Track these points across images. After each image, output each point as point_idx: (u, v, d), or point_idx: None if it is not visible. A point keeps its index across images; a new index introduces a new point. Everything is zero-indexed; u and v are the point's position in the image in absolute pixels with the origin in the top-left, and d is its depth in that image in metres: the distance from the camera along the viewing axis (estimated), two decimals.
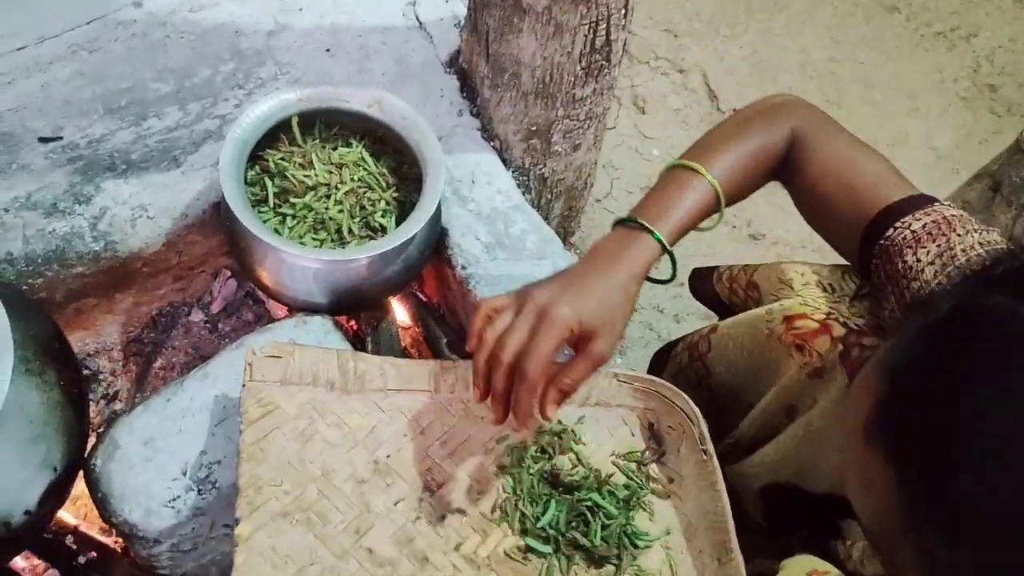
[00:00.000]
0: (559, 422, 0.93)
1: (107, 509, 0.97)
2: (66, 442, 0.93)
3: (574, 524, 0.86)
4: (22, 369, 0.86)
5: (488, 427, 0.90)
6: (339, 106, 1.13)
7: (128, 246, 1.14)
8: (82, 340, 1.25)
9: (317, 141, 1.15)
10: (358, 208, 1.10)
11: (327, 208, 1.08)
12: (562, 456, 0.91)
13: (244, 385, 0.88)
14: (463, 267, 1.18)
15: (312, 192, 1.09)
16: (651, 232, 0.81)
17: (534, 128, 1.24)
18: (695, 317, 1.68)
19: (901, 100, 2.07)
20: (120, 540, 1.15)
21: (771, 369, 0.92)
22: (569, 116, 1.23)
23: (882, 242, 0.81)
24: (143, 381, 1.28)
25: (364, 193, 1.11)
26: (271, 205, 1.09)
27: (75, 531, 1.15)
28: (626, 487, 0.90)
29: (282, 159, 1.11)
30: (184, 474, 0.98)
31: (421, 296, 1.42)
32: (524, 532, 0.85)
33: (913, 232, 0.79)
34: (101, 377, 1.28)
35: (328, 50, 1.34)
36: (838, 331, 0.84)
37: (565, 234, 1.60)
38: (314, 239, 1.08)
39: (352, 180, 1.11)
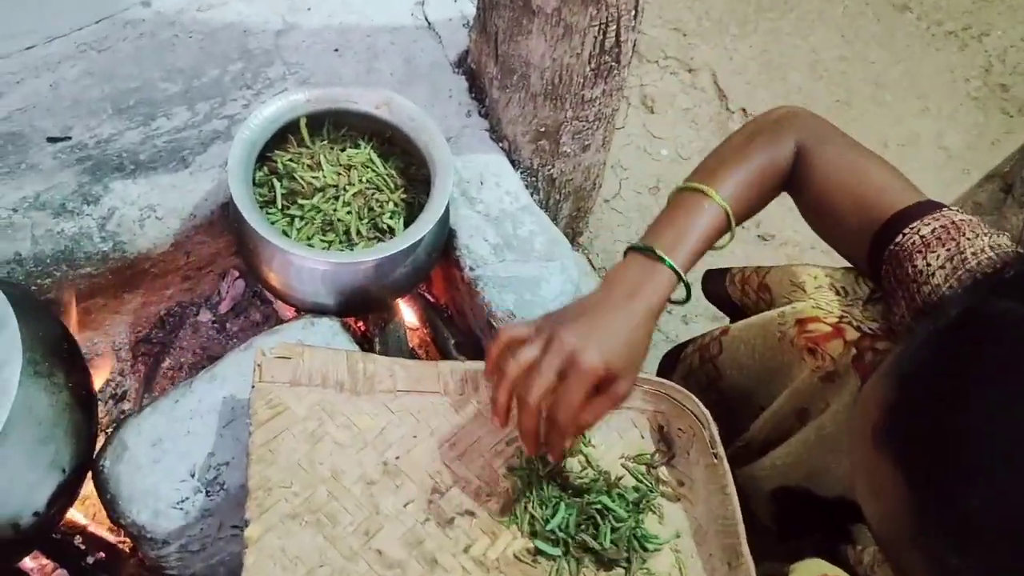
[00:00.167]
0: None
1: (115, 510, 0.97)
2: (75, 443, 0.93)
3: (583, 527, 0.85)
4: (31, 371, 0.86)
5: (497, 429, 0.90)
6: (348, 107, 1.13)
7: (136, 246, 1.14)
8: (90, 340, 1.25)
9: (325, 142, 1.14)
10: (366, 210, 1.10)
11: (335, 209, 1.08)
12: (571, 458, 0.91)
13: (253, 386, 0.88)
14: (471, 268, 1.17)
15: (320, 193, 1.09)
16: (667, 262, 0.81)
17: (543, 129, 1.24)
18: (703, 318, 1.68)
19: (912, 100, 2.06)
20: (128, 540, 1.16)
21: (783, 372, 0.91)
22: (578, 117, 1.23)
23: (892, 248, 0.81)
24: (151, 381, 1.29)
25: (372, 194, 1.11)
26: (279, 206, 1.09)
27: (84, 531, 1.16)
28: (636, 490, 0.90)
29: (290, 160, 1.11)
30: (192, 475, 0.98)
31: (429, 297, 1.42)
32: (533, 534, 0.85)
33: (922, 237, 0.78)
34: (109, 377, 1.28)
35: (336, 50, 1.34)
36: (851, 335, 0.84)
37: (573, 235, 1.60)
38: (322, 240, 1.08)
39: (360, 181, 1.11)
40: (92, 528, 1.17)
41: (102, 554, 1.15)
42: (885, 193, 0.84)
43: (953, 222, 0.78)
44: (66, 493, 0.94)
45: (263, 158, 1.11)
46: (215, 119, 1.23)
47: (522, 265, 1.18)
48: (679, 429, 0.94)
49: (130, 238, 1.13)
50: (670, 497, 0.91)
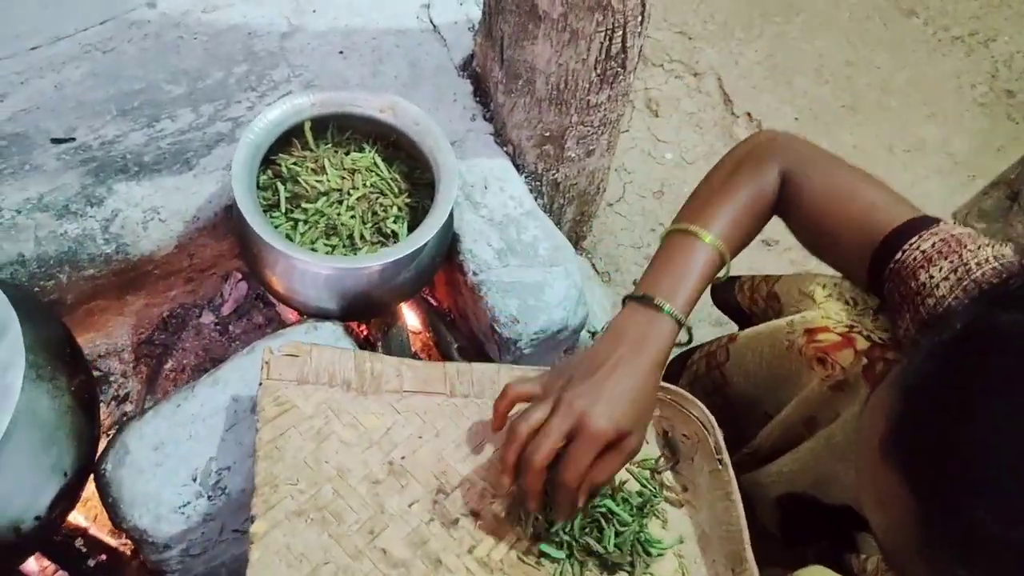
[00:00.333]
0: None
1: (117, 514, 0.97)
2: (77, 447, 0.93)
3: (587, 530, 0.85)
4: (33, 375, 0.86)
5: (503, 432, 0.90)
6: (352, 111, 1.13)
7: (140, 249, 1.14)
8: (93, 342, 1.25)
9: (330, 146, 1.14)
10: (370, 214, 1.09)
11: (339, 214, 1.08)
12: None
13: (261, 383, 0.88)
14: (475, 273, 1.17)
15: (324, 197, 1.09)
16: (667, 310, 0.81)
17: (548, 134, 1.23)
18: (706, 323, 1.68)
19: (918, 105, 2.06)
20: (130, 543, 1.16)
21: (791, 381, 0.91)
22: (583, 122, 1.22)
23: (892, 266, 0.81)
24: (154, 383, 1.28)
25: (376, 199, 1.11)
26: (283, 210, 1.09)
27: (85, 534, 1.15)
28: (640, 494, 0.90)
29: (294, 164, 1.11)
30: (194, 480, 0.98)
31: (432, 301, 1.41)
32: (537, 537, 0.85)
33: (923, 252, 0.78)
34: (112, 379, 1.28)
35: (341, 52, 1.34)
36: (861, 344, 0.83)
37: (577, 239, 1.60)
38: (326, 245, 1.08)
39: (364, 186, 1.11)
40: (93, 531, 1.16)
41: (103, 557, 1.15)
42: (878, 211, 0.84)
43: (952, 235, 0.78)
44: (68, 496, 0.93)
45: (267, 161, 1.11)
46: (219, 121, 1.23)
47: (526, 270, 1.17)
48: (684, 434, 0.93)
49: (133, 240, 1.13)
50: (674, 502, 0.91)
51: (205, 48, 1.30)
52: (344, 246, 1.08)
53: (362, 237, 1.08)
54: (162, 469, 0.98)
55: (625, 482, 0.90)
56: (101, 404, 1.19)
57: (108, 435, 1.17)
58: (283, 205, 1.09)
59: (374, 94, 1.14)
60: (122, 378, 1.29)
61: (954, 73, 2.12)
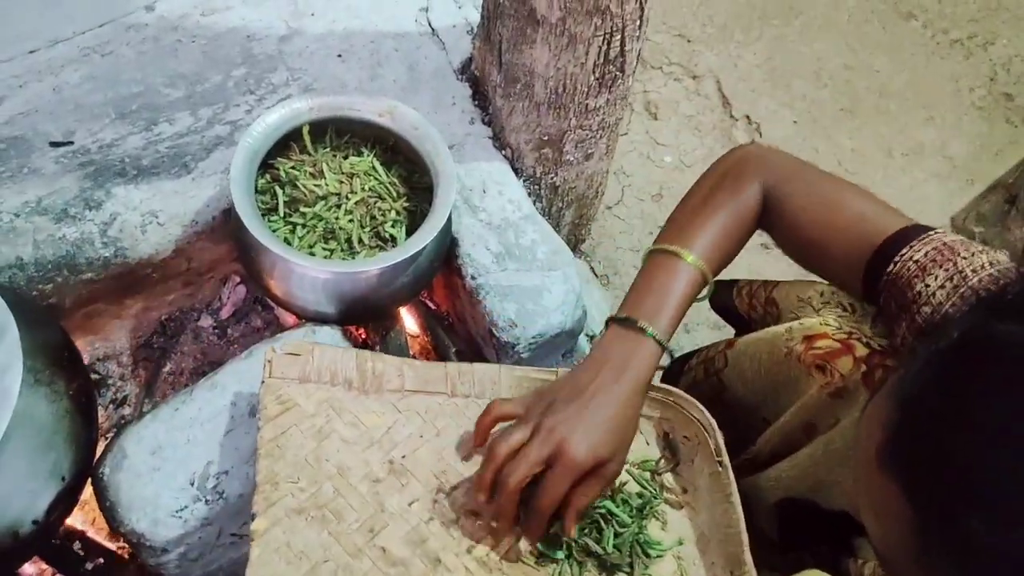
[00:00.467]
0: None
1: (115, 518, 0.97)
2: (75, 451, 0.93)
3: (587, 531, 0.85)
4: (31, 380, 0.86)
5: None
6: (351, 115, 1.13)
7: (138, 252, 1.14)
8: (91, 345, 1.25)
9: (328, 150, 1.14)
10: (368, 218, 1.10)
11: (337, 218, 1.08)
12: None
13: (263, 382, 0.89)
14: (473, 277, 1.17)
15: (323, 201, 1.09)
16: (650, 333, 0.81)
17: (546, 138, 1.23)
18: (705, 327, 1.68)
19: (916, 109, 2.06)
20: (128, 547, 1.15)
21: (789, 388, 0.91)
22: (582, 126, 1.22)
23: (886, 277, 0.80)
24: (152, 386, 1.28)
25: (375, 203, 1.11)
26: (281, 214, 1.09)
27: (83, 537, 1.15)
28: (640, 496, 0.90)
29: (293, 168, 1.11)
30: (192, 484, 0.98)
31: (430, 305, 1.41)
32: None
33: (917, 262, 0.78)
34: (110, 382, 1.28)
35: (340, 56, 1.34)
36: (861, 351, 0.83)
37: (575, 242, 1.60)
38: (324, 249, 1.08)
39: (363, 190, 1.11)
40: (91, 534, 1.16)
41: (101, 560, 1.15)
42: (867, 222, 0.83)
43: (944, 243, 0.78)
44: (66, 500, 0.93)
45: (265, 165, 1.11)
46: (218, 124, 1.23)
47: (524, 274, 1.17)
48: (684, 436, 0.93)
49: (132, 244, 1.13)
50: (674, 504, 0.91)
51: (203, 51, 1.30)
52: (342, 250, 1.08)
53: (360, 241, 1.08)
54: (160, 473, 0.98)
55: (625, 483, 0.90)
56: (99, 407, 1.19)
57: (106, 438, 1.17)
58: (281, 209, 1.09)
59: (372, 98, 1.14)
60: (120, 381, 1.29)
61: (952, 76, 2.13)
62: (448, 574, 0.81)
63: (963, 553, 0.50)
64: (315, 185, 1.09)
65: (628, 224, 1.82)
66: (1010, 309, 0.58)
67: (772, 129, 1.98)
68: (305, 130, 1.11)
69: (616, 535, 0.85)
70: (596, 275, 1.72)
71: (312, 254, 1.06)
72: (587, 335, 1.39)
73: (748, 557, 0.82)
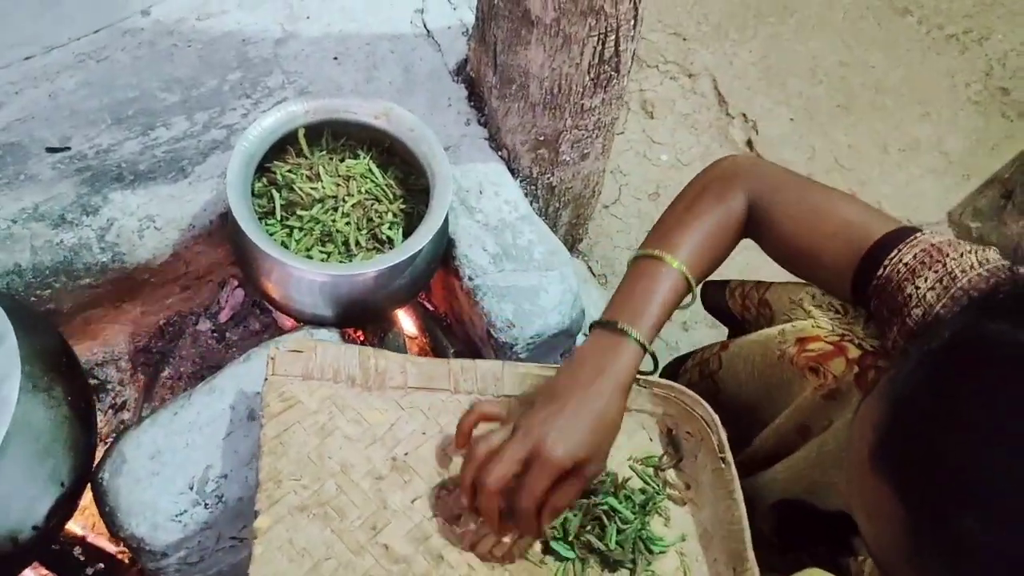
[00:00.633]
0: None
1: (114, 523, 0.97)
2: (74, 457, 0.93)
3: (590, 527, 0.86)
4: (29, 386, 0.86)
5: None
6: (346, 117, 1.13)
7: (136, 257, 1.14)
8: (90, 350, 1.25)
9: (324, 152, 1.14)
10: (365, 220, 1.10)
11: (334, 220, 1.08)
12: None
13: (266, 379, 0.89)
14: (470, 278, 1.17)
15: (319, 204, 1.09)
16: (631, 336, 0.82)
17: (542, 138, 1.23)
18: (703, 325, 1.68)
19: (912, 105, 2.06)
20: (128, 551, 1.16)
21: (783, 390, 0.91)
22: (577, 126, 1.23)
23: (876, 281, 0.80)
24: (151, 391, 1.29)
25: (371, 205, 1.11)
26: (278, 218, 1.09)
27: (83, 542, 1.16)
28: (642, 492, 0.90)
29: (289, 171, 1.11)
30: (191, 488, 0.98)
31: (428, 306, 1.41)
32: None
33: (906, 265, 0.78)
34: (109, 387, 1.28)
35: (336, 58, 1.34)
36: (853, 353, 0.84)
37: (572, 241, 1.60)
38: (321, 252, 1.08)
39: (359, 192, 1.11)
40: (91, 539, 1.17)
41: (101, 565, 1.15)
42: (854, 227, 0.83)
43: (933, 244, 0.78)
44: (65, 506, 0.94)
45: (262, 169, 1.11)
46: (214, 128, 1.23)
47: (521, 275, 1.18)
48: (687, 432, 0.93)
49: (129, 249, 1.13)
50: (677, 500, 0.91)
51: (199, 56, 1.31)
52: (339, 253, 1.08)
53: (357, 244, 1.08)
54: (159, 478, 0.98)
55: (628, 479, 0.90)
56: (98, 412, 1.20)
57: (106, 443, 1.17)
58: (278, 212, 1.09)
59: (368, 100, 1.14)
60: (119, 386, 1.29)
61: (948, 72, 2.13)
62: (451, 571, 0.81)
63: (955, 553, 0.50)
64: (312, 188, 1.09)
65: (625, 223, 1.82)
66: (1001, 309, 0.58)
67: (768, 127, 1.98)
68: (301, 133, 1.11)
69: (619, 531, 0.85)
70: (594, 274, 1.73)
71: (309, 257, 1.06)
72: (585, 335, 1.39)
73: (751, 553, 0.82)
